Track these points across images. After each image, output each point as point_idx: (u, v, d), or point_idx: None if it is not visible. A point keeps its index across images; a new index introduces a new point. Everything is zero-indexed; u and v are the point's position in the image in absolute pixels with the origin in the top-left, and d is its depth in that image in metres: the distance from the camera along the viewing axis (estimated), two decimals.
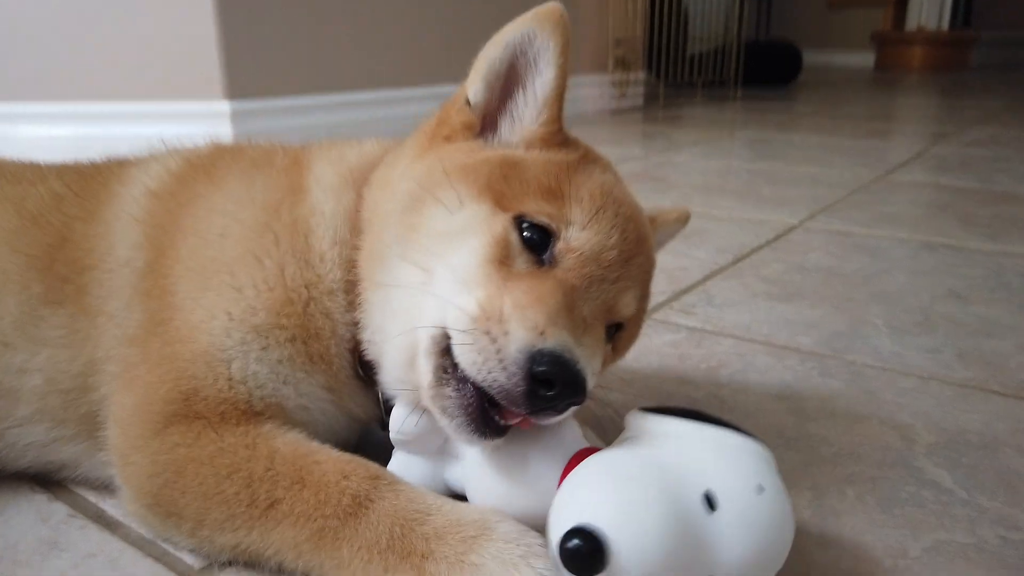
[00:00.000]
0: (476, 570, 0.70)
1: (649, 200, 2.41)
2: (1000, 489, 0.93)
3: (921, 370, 1.26)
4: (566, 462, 0.76)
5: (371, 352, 0.86)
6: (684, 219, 1.07)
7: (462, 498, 0.81)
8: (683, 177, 2.82)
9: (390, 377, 0.84)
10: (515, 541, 0.72)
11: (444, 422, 0.76)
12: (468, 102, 0.89)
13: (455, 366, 0.75)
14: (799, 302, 1.57)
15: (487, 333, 0.72)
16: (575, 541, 0.63)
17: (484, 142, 0.89)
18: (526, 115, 0.88)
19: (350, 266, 0.88)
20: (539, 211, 0.80)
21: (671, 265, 1.78)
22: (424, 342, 0.78)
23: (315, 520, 0.74)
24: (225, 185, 0.93)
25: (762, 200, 2.45)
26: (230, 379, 0.83)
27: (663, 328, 1.43)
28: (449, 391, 0.75)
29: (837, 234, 2.05)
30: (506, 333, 0.72)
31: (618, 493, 0.66)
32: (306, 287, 0.87)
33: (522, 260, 0.78)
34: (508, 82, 0.89)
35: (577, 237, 0.80)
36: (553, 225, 0.80)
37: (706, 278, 1.73)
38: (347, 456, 0.80)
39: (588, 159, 0.89)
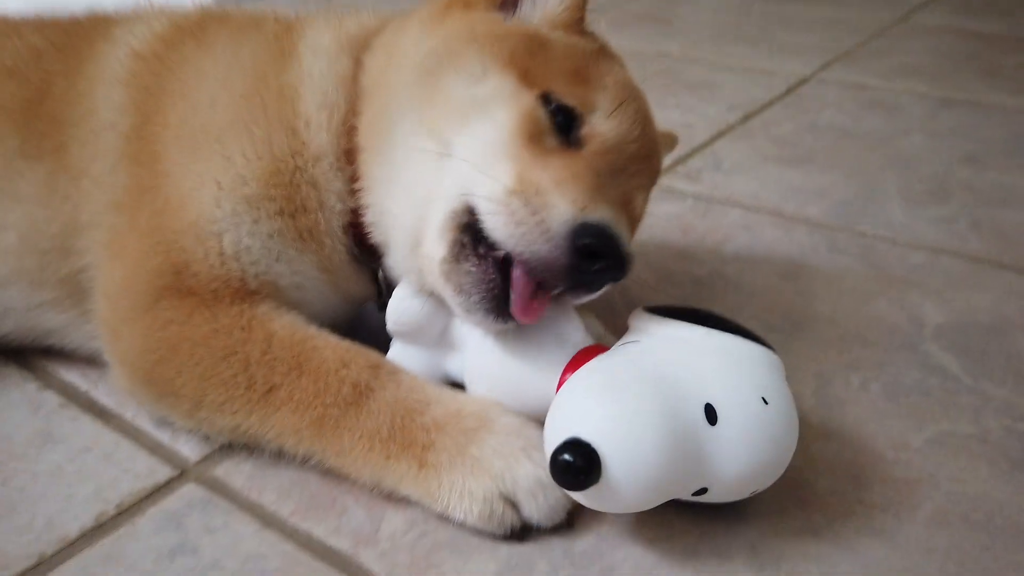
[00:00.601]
0: (476, 462, 0.70)
1: (653, 45, 2.28)
2: (1008, 376, 0.92)
3: (933, 242, 1.22)
4: (569, 359, 0.73)
5: (375, 234, 0.82)
6: (671, 144, 1.03)
7: (461, 389, 0.79)
8: (692, 18, 2.65)
9: (395, 260, 0.81)
10: (515, 434, 0.72)
11: (457, 300, 0.73)
12: None
13: (476, 241, 0.72)
14: (809, 167, 1.50)
15: (527, 204, 0.69)
16: (566, 455, 0.61)
17: (504, 17, 0.84)
18: None
19: (345, 133, 0.83)
20: (566, 92, 0.76)
21: (677, 121, 1.70)
22: (440, 214, 0.74)
23: (315, 408, 0.73)
24: (213, 50, 0.87)
25: (776, 47, 2.30)
26: (222, 254, 0.79)
27: (666, 196, 1.38)
28: (469, 266, 0.72)
29: (852, 87, 1.94)
30: (547, 206, 0.69)
31: (614, 405, 0.64)
32: (292, 156, 0.82)
33: (551, 138, 0.75)
34: None
35: (603, 124, 0.77)
36: (579, 108, 0.76)
37: (713, 138, 1.65)
38: (345, 343, 0.78)
39: (608, 52, 0.86)
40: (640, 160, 0.79)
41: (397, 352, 0.82)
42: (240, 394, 0.75)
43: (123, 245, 0.81)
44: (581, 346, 0.74)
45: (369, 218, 0.82)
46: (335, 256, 0.83)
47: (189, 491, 0.75)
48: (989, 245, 1.21)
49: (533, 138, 0.74)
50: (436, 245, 0.74)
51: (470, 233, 0.72)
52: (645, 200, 0.83)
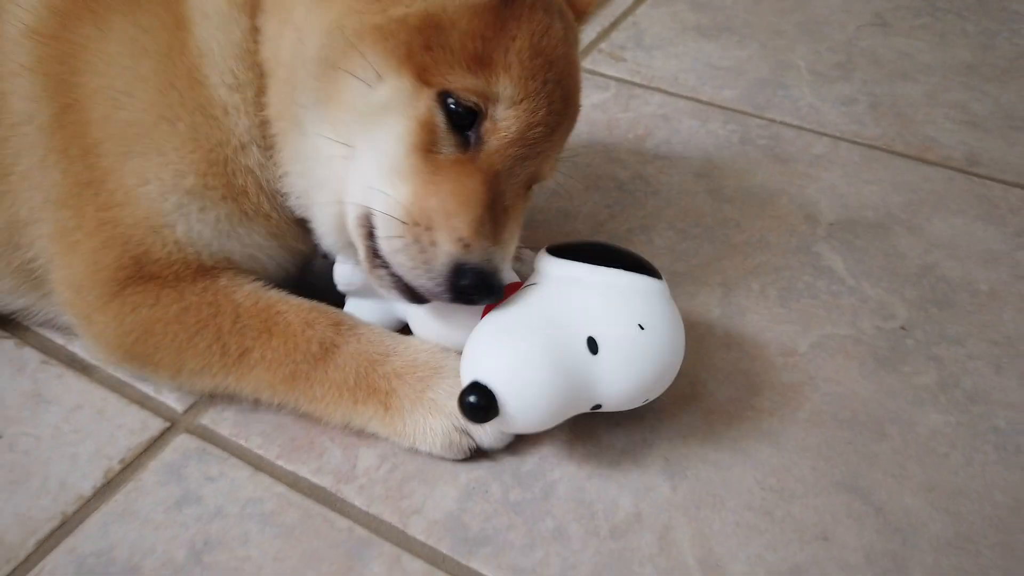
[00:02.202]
0: (433, 404, 0.82)
1: None
2: (884, 274, 1.06)
3: (834, 128, 1.32)
4: None
5: (301, 212, 0.86)
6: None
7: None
8: None
9: (324, 239, 0.86)
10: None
11: (379, 287, 0.82)
12: None
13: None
14: (727, 39, 1.55)
15: (416, 240, 0.75)
16: (471, 397, 0.74)
17: None
18: None
19: (259, 110, 0.84)
20: (465, 88, 0.75)
21: None
22: (351, 217, 0.80)
23: (286, 365, 0.83)
24: (112, 29, 0.84)
25: None
26: (177, 242, 0.84)
27: (592, 84, 1.42)
28: (381, 273, 0.80)
29: None
30: (433, 243, 0.75)
31: (506, 348, 0.75)
32: (220, 145, 0.83)
33: (447, 144, 0.76)
34: None
35: (504, 117, 0.77)
36: (481, 104, 0.76)
37: (636, 3, 1.66)
38: (307, 304, 0.86)
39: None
40: (546, 138, 0.80)
41: (353, 306, 0.91)
42: (216, 360, 0.83)
43: (75, 240, 0.84)
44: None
45: (292, 199, 0.85)
46: (282, 224, 0.88)
47: (182, 442, 0.86)
48: (885, 128, 1.32)
49: (429, 149, 0.76)
50: (356, 242, 0.81)
51: (375, 242, 0.78)
52: (558, 156, 0.86)
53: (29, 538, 0.78)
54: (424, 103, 0.75)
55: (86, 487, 0.82)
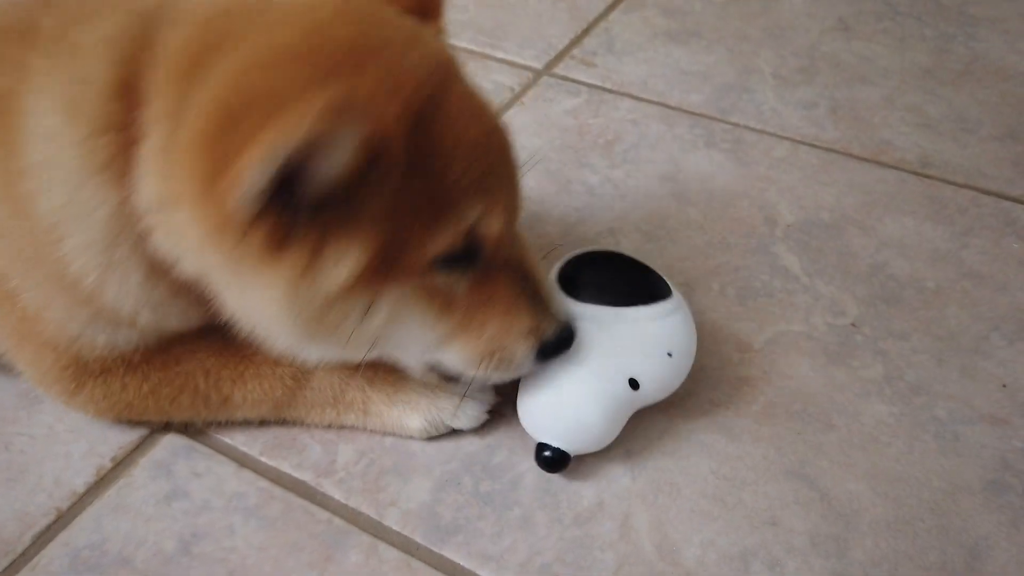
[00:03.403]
0: (406, 404, 0.89)
1: None
2: (836, 273, 1.12)
3: (795, 132, 1.38)
4: None
5: None
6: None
7: None
8: None
9: None
10: (429, 376, 0.89)
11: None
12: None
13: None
14: (696, 44, 1.60)
15: (499, 364, 0.80)
16: (547, 453, 0.84)
17: (291, 228, 0.64)
18: None
19: (158, 273, 0.74)
20: (447, 246, 0.70)
21: None
22: (418, 372, 0.87)
23: (267, 401, 0.88)
24: None
25: None
26: (103, 346, 0.80)
27: (564, 89, 1.47)
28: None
29: None
30: (513, 354, 0.80)
31: (568, 412, 0.84)
32: (106, 306, 0.76)
33: (458, 285, 0.75)
34: None
35: (488, 226, 0.72)
36: (456, 241, 0.70)
37: (608, 9, 1.71)
38: None
39: (422, 126, 0.65)
40: (515, 185, 0.78)
41: None
42: (202, 409, 0.88)
43: (19, 341, 0.82)
44: None
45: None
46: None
47: (170, 440, 0.91)
48: (843, 131, 1.38)
49: (448, 300, 0.74)
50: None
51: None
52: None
53: (26, 532, 0.82)
54: (420, 287, 0.72)
55: (79, 484, 0.87)
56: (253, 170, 0.56)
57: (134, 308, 0.76)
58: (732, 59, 1.56)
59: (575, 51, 1.58)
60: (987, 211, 1.23)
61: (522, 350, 0.79)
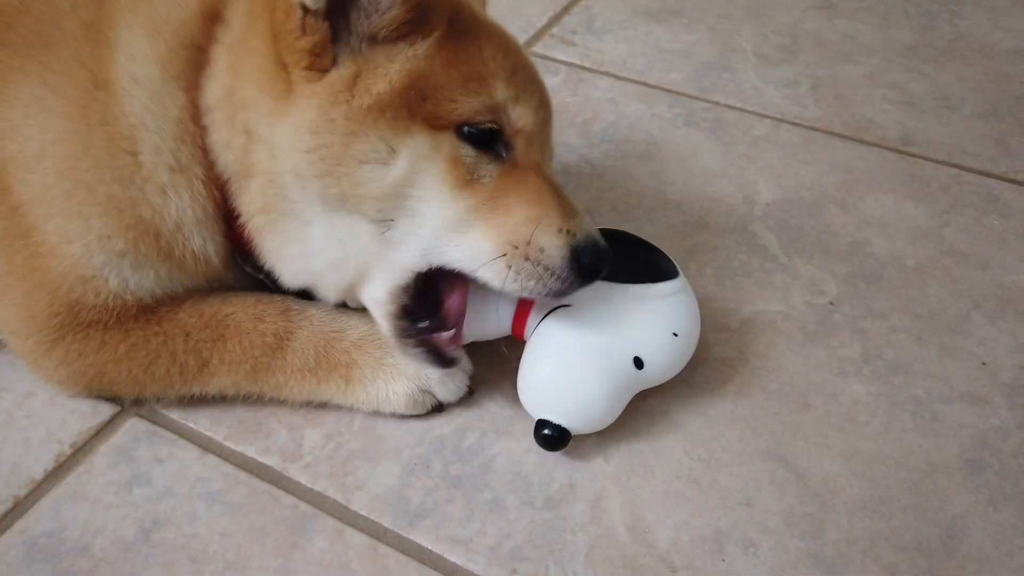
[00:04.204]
0: (395, 368, 0.86)
1: None
2: (816, 251, 1.10)
3: (776, 110, 1.36)
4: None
5: (292, 286, 0.86)
6: None
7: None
8: None
9: (324, 296, 0.87)
10: None
11: (409, 360, 0.85)
12: (306, 8, 0.73)
13: (412, 326, 0.80)
14: (677, 22, 1.58)
15: (527, 259, 0.75)
16: (546, 431, 0.82)
17: (338, 53, 0.75)
18: None
19: (211, 192, 0.81)
20: (475, 111, 0.76)
21: None
22: (382, 290, 0.80)
23: (246, 362, 0.85)
24: (14, 90, 0.79)
25: None
26: (111, 292, 0.82)
27: (543, 68, 1.42)
28: (413, 350, 0.82)
29: None
30: (542, 250, 0.75)
31: (569, 387, 0.82)
32: (150, 222, 0.80)
33: (484, 166, 0.77)
34: None
35: (518, 115, 0.78)
36: (494, 119, 0.77)
37: None
38: (251, 297, 0.88)
39: (460, 20, 0.78)
40: (549, 111, 0.83)
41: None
42: (177, 378, 0.85)
43: (7, 284, 0.81)
44: None
45: (270, 264, 0.83)
46: (228, 274, 0.88)
47: (132, 425, 0.88)
48: (825, 109, 1.36)
49: (471, 179, 0.75)
50: (380, 320, 0.82)
51: (407, 318, 0.80)
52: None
53: None
54: (446, 145, 0.75)
55: (38, 470, 0.84)
56: None
57: (189, 223, 0.81)
58: (713, 37, 1.54)
59: (554, 29, 1.56)
60: (969, 188, 1.21)
61: (555, 246, 0.75)
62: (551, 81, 1.41)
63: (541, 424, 0.83)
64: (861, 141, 1.29)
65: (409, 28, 0.75)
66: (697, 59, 1.48)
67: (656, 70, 1.45)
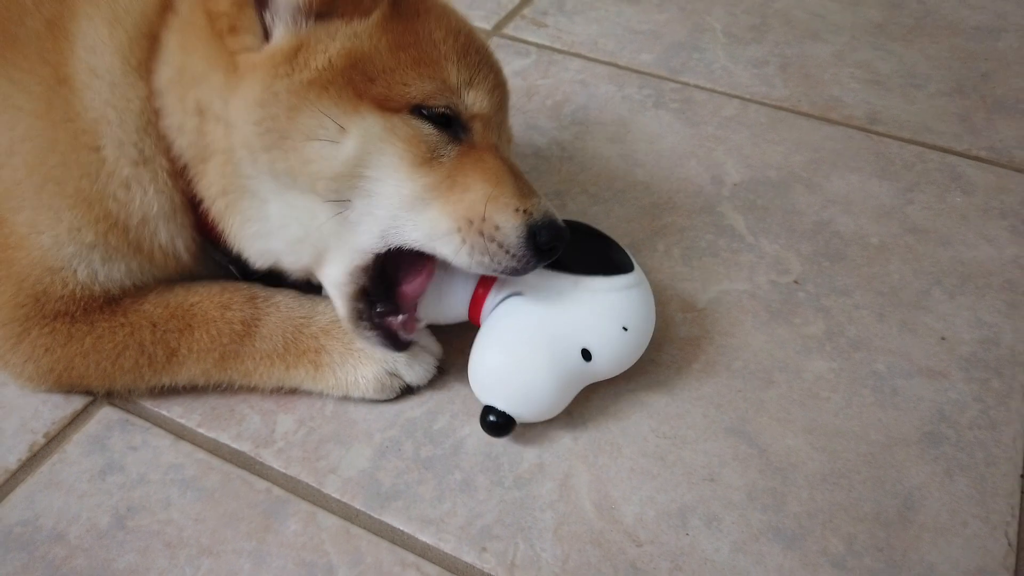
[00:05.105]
0: (362, 353, 0.88)
1: None
2: (782, 231, 1.12)
3: (745, 90, 1.37)
4: (477, 280, 0.87)
5: (257, 266, 0.86)
6: None
7: None
8: None
9: (291, 276, 0.87)
10: None
11: (366, 345, 0.86)
12: None
13: (369, 309, 0.82)
14: (647, 2, 1.58)
15: (481, 234, 0.76)
16: (491, 417, 0.83)
17: (273, 25, 0.77)
18: None
19: (174, 181, 0.82)
20: (428, 94, 0.76)
21: None
22: (340, 270, 0.81)
23: (214, 351, 0.86)
24: None
25: None
26: (79, 283, 0.83)
27: (513, 50, 1.44)
28: (365, 330, 0.83)
29: None
30: (497, 228, 0.76)
31: (516, 375, 0.83)
32: (118, 216, 0.81)
33: (443, 146, 0.78)
34: None
35: (474, 99, 0.80)
36: (451, 105, 0.78)
37: None
38: (217, 286, 0.89)
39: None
40: (504, 93, 0.85)
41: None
42: (146, 370, 0.85)
43: None
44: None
45: (235, 246, 0.84)
46: (197, 265, 0.89)
47: (105, 414, 0.89)
48: (792, 89, 1.37)
49: (430, 158, 0.76)
50: (337, 301, 0.83)
51: (365, 300, 0.81)
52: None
53: None
54: (402, 126, 0.76)
55: (11, 460, 0.85)
56: None
57: (155, 216, 0.82)
58: (684, 18, 1.54)
59: (525, 11, 1.56)
60: (932, 166, 1.23)
61: (511, 225, 0.76)
62: (522, 63, 1.42)
63: (487, 410, 0.84)
64: (828, 120, 1.31)
65: (341, 4, 0.76)
66: (667, 39, 1.48)
67: (626, 51, 1.45)
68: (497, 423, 0.84)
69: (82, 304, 0.83)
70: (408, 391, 0.90)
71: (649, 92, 1.36)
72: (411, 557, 0.78)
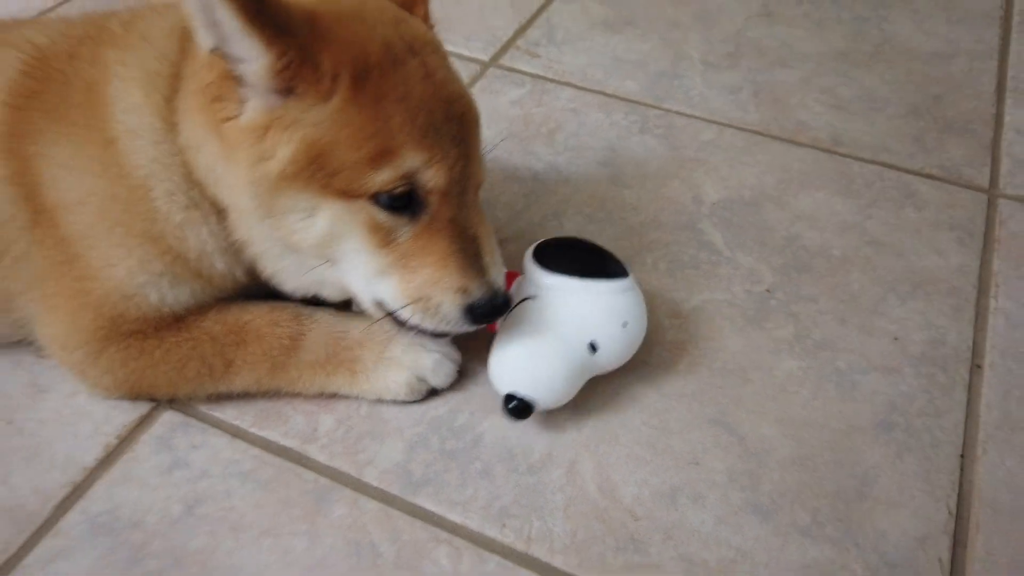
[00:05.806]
0: (393, 360, 1.00)
1: None
2: (755, 245, 1.26)
3: (721, 116, 1.51)
4: None
5: (291, 294, 1.00)
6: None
7: None
8: None
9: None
10: (414, 336, 1.00)
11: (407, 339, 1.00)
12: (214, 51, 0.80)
13: (402, 323, 0.94)
14: (631, 32, 1.72)
15: (425, 312, 0.90)
16: (512, 403, 0.96)
17: (246, 99, 0.83)
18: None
19: (223, 229, 0.93)
20: (386, 182, 0.83)
21: None
22: (368, 304, 0.95)
23: (265, 362, 0.99)
24: (50, 148, 0.91)
25: None
26: (151, 306, 0.95)
27: (510, 81, 1.58)
28: (413, 334, 0.96)
29: None
30: (439, 306, 0.89)
31: (533, 364, 0.96)
32: (180, 248, 0.93)
33: (400, 228, 0.87)
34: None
35: (429, 178, 0.85)
36: (406, 184, 0.84)
37: (548, 1, 1.82)
38: (266, 306, 1.02)
39: (368, 78, 0.81)
40: (468, 159, 0.88)
41: None
42: (206, 379, 0.98)
43: (55, 303, 0.94)
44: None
45: (275, 283, 0.98)
46: (246, 283, 1.00)
47: (168, 418, 1.02)
48: (763, 113, 1.52)
49: (388, 240, 0.86)
50: (377, 316, 0.96)
51: (395, 320, 0.94)
52: (482, 159, 0.94)
53: (46, 504, 0.93)
54: (362, 213, 0.85)
55: (89, 459, 0.97)
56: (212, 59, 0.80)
57: (211, 252, 0.94)
58: (664, 46, 1.68)
59: (519, 42, 1.69)
60: (890, 184, 1.38)
61: (448, 304, 0.89)
62: (518, 93, 1.55)
63: (508, 398, 0.97)
64: (796, 143, 1.45)
65: (300, 84, 0.79)
66: (651, 68, 1.62)
67: (613, 79, 1.59)
68: (519, 407, 0.96)
69: (152, 323, 0.96)
70: (433, 393, 1.03)
71: (635, 119, 1.50)
72: (443, 534, 0.91)
